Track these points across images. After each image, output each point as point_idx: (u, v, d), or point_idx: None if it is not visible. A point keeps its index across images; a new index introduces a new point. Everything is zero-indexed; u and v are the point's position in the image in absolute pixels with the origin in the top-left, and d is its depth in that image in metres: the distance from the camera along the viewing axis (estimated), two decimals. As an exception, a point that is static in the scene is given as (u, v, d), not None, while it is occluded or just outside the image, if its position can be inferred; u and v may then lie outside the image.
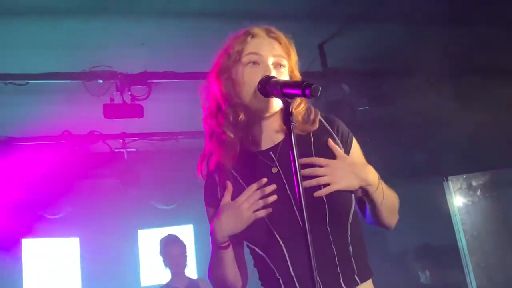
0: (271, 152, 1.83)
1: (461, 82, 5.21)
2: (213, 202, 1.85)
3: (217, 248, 1.78)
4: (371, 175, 1.83)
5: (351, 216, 1.77)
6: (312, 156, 1.79)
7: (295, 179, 1.53)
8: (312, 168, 1.73)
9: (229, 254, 1.79)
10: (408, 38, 4.72)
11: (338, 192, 1.74)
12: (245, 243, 1.84)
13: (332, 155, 1.80)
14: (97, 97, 4.39)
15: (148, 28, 4.07)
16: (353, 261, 1.75)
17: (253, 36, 1.83)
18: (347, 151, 1.86)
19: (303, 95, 1.57)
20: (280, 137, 1.85)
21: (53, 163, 5.51)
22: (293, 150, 1.56)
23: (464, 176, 5.84)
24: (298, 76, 1.88)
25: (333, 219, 1.72)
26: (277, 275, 1.70)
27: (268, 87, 1.69)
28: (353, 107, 4.96)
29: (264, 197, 1.72)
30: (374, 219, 1.90)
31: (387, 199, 1.86)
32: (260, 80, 1.72)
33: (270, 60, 1.79)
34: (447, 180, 5.70)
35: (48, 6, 3.60)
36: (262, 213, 1.70)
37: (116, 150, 5.56)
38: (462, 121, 6.05)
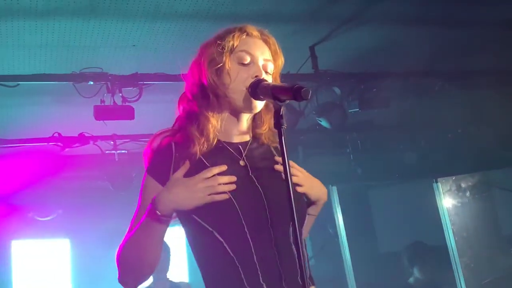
0: (240, 146, 1.84)
1: (452, 83, 5.23)
2: (160, 177, 1.78)
3: (152, 220, 1.69)
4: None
5: (305, 221, 1.84)
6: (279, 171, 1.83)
7: (286, 179, 1.56)
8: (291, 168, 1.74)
9: (163, 230, 1.73)
10: (400, 40, 4.74)
11: (302, 198, 1.84)
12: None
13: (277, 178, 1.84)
14: (87, 99, 4.36)
15: (139, 30, 4.05)
16: (307, 261, 1.80)
17: (247, 34, 1.84)
18: None
19: (294, 98, 1.59)
20: (248, 137, 1.88)
21: (44, 165, 5.48)
22: (283, 150, 1.58)
23: (454, 178, 5.86)
24: (279, 83, 1.89)
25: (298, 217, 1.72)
26: (237, 263, 1.66)
27: (258, 89, 1.70)
28: (344, 109, 4.97)
29: (224, 184, 1.70)
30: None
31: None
32: (251, 84, 1.73)
33: (260, 62, 1.81)
34: (436, 181, 5.72)
35: (39, 7, 3.57)
36: (217, 197, 1.66)
37: (107, 152, 5.53)
38: (451, 122, 6.09)
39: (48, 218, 6.11)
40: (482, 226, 6.21)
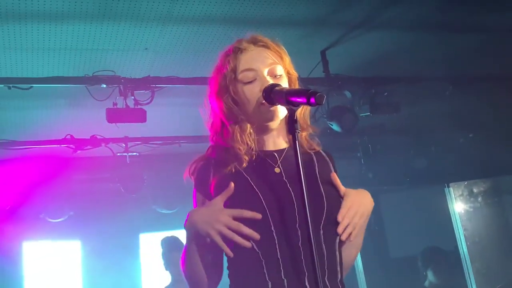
0: (275, 153, 1.86)
1: (462, 88, 5.21)
2: (201, 187, 1.84)
3: (192, 239, 1.76)
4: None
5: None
6: (317, 176, 1.82)
7: (300, 182, 1.59)
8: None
9: (199, 249, 1.77)
10: (410, 45, 4.73)
11: (338, 200, 1.80)
12: None
13: (332, 185, 1.84)
14: (100, 102, 4.38)
15: (151, 33, 4.08)
16: (338, 265, 1.79)
17: (242, 51, 1.84)
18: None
19: (308, 103, 1.60)
20: (284, 145, 1.90)
21: (56, 167, 5.51)
22: (297, 154, 1.60)
23: (466, 183, 5.83)
24: (295, 75, 1.92)
25: (329, 222, 1.76)
26: (261, 257, 1.70)
27: (272, 95, 1.71)
28: (355, 113, 4.96)
29: (240, 234, 1.69)
30: None
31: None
32: (264, 89, 1.74)
33: (265, 72, 1.81)
34: (448, 186, 5.69)
35: (52, 10, 3.61)
36: (220, 243, 1.69)
37: (118, 154, 5.56)
38: (463, 128, 6.07)
39: (60, 219, 6.13)
40: (493, 231, 6.18)
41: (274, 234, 1.70)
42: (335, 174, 1.88)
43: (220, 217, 1.68)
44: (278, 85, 1.74)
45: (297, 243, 1.71)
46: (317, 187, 1.78)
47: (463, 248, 5.07)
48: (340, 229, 1.74)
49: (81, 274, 6.56)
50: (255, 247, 1.71)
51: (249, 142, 1.81)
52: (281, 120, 1.85)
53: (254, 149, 1.83)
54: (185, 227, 1.76)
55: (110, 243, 6.35)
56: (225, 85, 1.82)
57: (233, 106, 1.81)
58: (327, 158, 1.97)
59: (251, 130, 1.82)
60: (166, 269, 5.08)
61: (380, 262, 6.44)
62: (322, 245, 1.74)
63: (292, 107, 1.64)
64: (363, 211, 1.82)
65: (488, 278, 5.40)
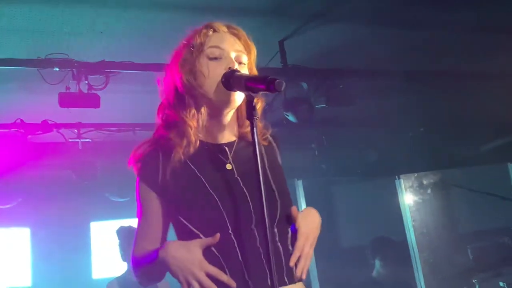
0: (226, 147, 1.84)
1: (415, 83, 5.31)
2: (152, 183, 1.80)
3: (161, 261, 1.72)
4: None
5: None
6: (267, 172, 1.81)
7: (257, 170, 1.59)
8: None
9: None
10: (366, 38, 4.79)
11: (288, 195, 1.83)
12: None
13: (282, 179, 1.86)
14: (52, 86, 4.28)
15: (107, 17, 4.00)
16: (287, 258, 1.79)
17: (214, 30, 1.84)
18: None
19: (267, 89, 1.60)
20: (233, 138, 1.89)
21: (5, 151, 5.37)
22: (255, 141, 1.60)
23: (415, 175, 5.96)
24: (255, 72, 1.90)
25: (282, 220, 1.77)
26: (222, 262, 1.68)
27: (232, 80, 1.70)
28: (311, 104, 5.00)
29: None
30: None
31: None
32: (224, 74, 1.73)
33: (232, 55, 1.81)
34: (398, 178, 5.81)
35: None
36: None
37: (70, 140, 5.45)
38: (415, 121, 6.20)
39: (8, 206, 5.98)
40: (441, 223, 6.35)
41: (233, 236, 1.69)
42: (295, 209, 1.84)
43: (195, 271, 1.63)
44: (238, 71, 1.74)
45: (255, 243, 1.71)
46: (268, 184, 1.78)
47: (411, 238, 5.18)
48: (294, 264, 1.73)
49: (30, 261, 6.42)
50: (215, 251, 1.68)
51: (200, 120, 1.79)
52: (232, 113, 1.84)
53: (203, 128, 1.81)
54: (159, 254, 1.69)
55: (60, 231, 6.24)
56: (190, 58, 1.80)
57: (193, 80, 1.79)
58: (274, 144, 1.97)
59: (204, 110, 1.80)
60: (124, 260, 5.02)
61: (331, 252, 6.54)
62: (278, 243, 1.75)
63: (251, 93, 1.64)
64: (315, 237, 1.83)
65: (434, 268, 5.55)
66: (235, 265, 1.68)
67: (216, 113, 1.82)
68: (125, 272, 5.02)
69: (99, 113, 4.63)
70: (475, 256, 5.21)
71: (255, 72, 1.89)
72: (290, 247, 1.79)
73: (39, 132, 5.22)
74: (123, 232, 5.07)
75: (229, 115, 1.84)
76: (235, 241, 1.69)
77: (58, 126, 5.25)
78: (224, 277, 1.64)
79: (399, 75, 5.20)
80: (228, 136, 1.87)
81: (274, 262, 1.57)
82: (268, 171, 1.82)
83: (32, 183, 5.88)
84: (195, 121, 1.78)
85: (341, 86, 5.01)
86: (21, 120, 5.12)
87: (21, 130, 5.15)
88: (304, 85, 4.93)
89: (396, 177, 5.86)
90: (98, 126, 5.44)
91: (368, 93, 5.59)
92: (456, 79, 5.49)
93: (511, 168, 5.07)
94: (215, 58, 1.79)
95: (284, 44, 4.67)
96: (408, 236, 5.07)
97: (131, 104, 5.24)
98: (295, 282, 1.75)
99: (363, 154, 6.75)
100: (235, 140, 1.87)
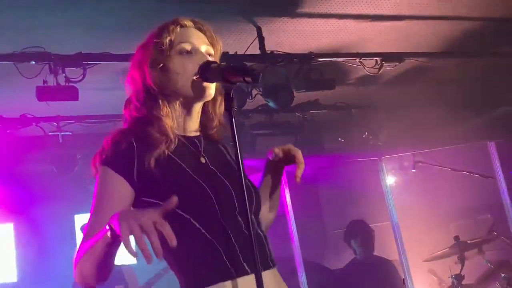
0: (196, 141, 1.85)
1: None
2: (122, 169, 1.70)
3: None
4: None
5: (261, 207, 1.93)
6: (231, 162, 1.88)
7: (238, 163, 1.63)
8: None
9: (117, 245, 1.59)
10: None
11: (255, 187, 1.90)
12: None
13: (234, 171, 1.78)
14: (29, 79, 4.24)
15: (84, 9, 3.97)
16: (266, 245, 1.84)
17: (181, 25, 1.85)
18: None
19: (245, 81, 1.63)
20: (199, 132, 1.90)
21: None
22: (234, 133, 1.62)
23: (397, 156, 6.02)
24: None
25: (257, 210, 1.84)
26: (217, 246, 1.69)
27: (208, 72, 1.72)
28: (290, 90, 5.01)
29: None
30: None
31: None
32: (200, 65, 1.74)
33: (203, 49, 1.83)
34: (380, 160, 5.86)
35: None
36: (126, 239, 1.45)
37: (50, 134, 5.42)
38: (395, 103, 6.25)
39: (-10, 202, 5.94)
40: (423, 202, 6.44)
41: (223, 221, 1.71)
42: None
43: (141, 218, 1.41)
44: (215, 62, 1.75)
45: (242, 229, 1.73)
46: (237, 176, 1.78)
47: (394, 218, 5.23)
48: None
49: (14, 257, 6.39)
50: (208, 236, 1.69)
51: (174, 117, 1.80)
52: (200, 106, 1.86)
53: (177, 126, 1.81)
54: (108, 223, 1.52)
55: (44, 224, 6.21)
56: (160, 56, 1.80)
57: (164, 78, 1.79)
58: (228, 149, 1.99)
59: (177, 106, 1.82)
60: None
61: (315, 235, 6.62)
62: (258, 230, 1.80)
63: (228, 84, 1.65)
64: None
65: (418, 246, 5.63)
66: (230, 249, 1.70)
67: (188, 107, 1.84)
68: None
69: (78, 105, 4.60)
70: (458, 234, 5.29)
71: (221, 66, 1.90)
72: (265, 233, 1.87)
73: (18, 126, 5.19)
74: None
75: (199, 108, 1.87)
76: (225, 225, 1.71)
77: (37, 120, 5.22)
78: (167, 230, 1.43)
79: (377, 56, 5.23)
80: (195, 129, 1.89)
81: (257, 247, 1.61)
82: (233, 165, 1.85)
83: (13, 178, 5.83)
84: (170, 118, 1.78)
85: (321, 71, 5.03)
86: (-1, 115, 5.09)
87: (0, 125, 5.11)
88: (283, 71, 4.93)
89: (379, 159, 5.91)
90: (78, 119, 5.42)
91: (347, 77, 5.64)
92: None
93: (491, 147, 5.14)
94: (186, 53, 1.80)
95: (262, 30, 4.67)
96: (391, 216, 5.13)
97: (111, 95, 5.19)
98: (275, 266, 1.82)
99: (346, 137, 6.80)
100: (199, 135, 1.88)
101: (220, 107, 1.90)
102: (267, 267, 1.75)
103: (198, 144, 1.85)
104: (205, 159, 1.82)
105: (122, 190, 1.71)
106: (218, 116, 1.91)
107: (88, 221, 1.72)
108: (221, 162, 1.85)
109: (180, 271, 1.74)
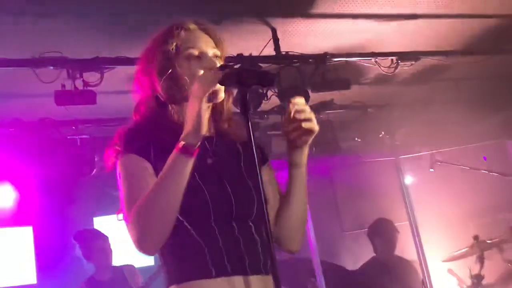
0: (205, 142, 1.84)
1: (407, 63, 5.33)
2: (147, 156, 1.74)
3: (185, 153, 1.63)
4: None
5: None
6: (242, 168, 1.84)
7: (254, 165, 1.60)
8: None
9: (190, 166, 1.65)
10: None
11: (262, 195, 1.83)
12: None
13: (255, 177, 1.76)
14: (48, 84, 4.29)
15: (100, 14, 4.02)
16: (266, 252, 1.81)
17: (185, 29, 1.85)
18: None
19: (260, 83, 1.65)
20: (212, 130, 1.89)
21: (3, 151, 5.39)
22: (250, 135, 1.61)
23: (415, 156, 5.99)
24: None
25: (257, 215, 1.79)
26: (203, 245, 1.72)
27: (223, 76, 1.68)
28: (306, 91, 5.01)
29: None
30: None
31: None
32: (219, 67, 1.72)
33: (210, 52, 1.83)
34: (398, 160, 5.84)
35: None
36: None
37: (69, 137, 5.47)
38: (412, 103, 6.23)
39: (10, 206, 6.00)
40: (442, 201, 6.40)
41: (214, 224, 1.73)
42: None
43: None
44: (228, 66, 1.74)
45: (234, 233, 1.75)
46: (244, 181, 1.80)
47: (413, 217, 5.21)
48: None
49: (33, 259, 6.46)
50: (196, 237, 1.73)
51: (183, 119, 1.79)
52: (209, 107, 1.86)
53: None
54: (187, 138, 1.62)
55: (63, 227, 6.26)
56: (168, 63, 1.81)
57: (174, 85, 1.80)
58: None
59: (187, 110, 1.80)
60: (89, 260, 5.14)
61: (333, 234, 6.62)
62: (254, 235, 1.78)
63: (244, 88, 1.64)
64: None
65: (437, 246, 5.61)
66: (215, 250, 1.72)
67: (198, 109, 1.81)
68: (95, 272, 5.10)
69: (96, 109, 4.64)
70: (477, 233, 5.26)
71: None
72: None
73: (37, 130, 5.24)
74: (83, 235, 5.20)
75: (207, 112, 1.83)
76: (216, 229, 1.73)
77: (56, 123, 5.27)
78: None
79: (392, 55, 5.21)
80: (206, 129, 1.86)
81: (251, 251, 1.70)
82: (243, 168, 1.85)
83: (32, 181, 5.90)
84: (182, 121, 1.77)
85: (336, 71, 5.03)
86: (19, 119, 5.14)
87: (19, 129, 5.16)
88: (298, 72, 4.93)
89: (395, 158, 5.89)
90: (96, 122, 5.46)
91: (363, 77, 5.63)
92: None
93: (509, 146, 5.10)
94: (194, 58, 1.80)
95: (277, 31, 4.68)
96: (409, 216, 5.11)
97: (128, 98, 5.23)
98: (268, 274, 1.74)
99: (362, 136, 6.78)
100: (211, 135, 1.87)
101: (228, 104, 1.90)
102: (257, 272, 1.75)
103: (207, 145, 1.84)
104: (212, 159, 1.82)
105: (150, 171, 1.74)
106: (226, 112, 1.91)
107: (127, 200, 1.72)
108: (229, 163, 1.84)
109: (164, 264, 1.79)
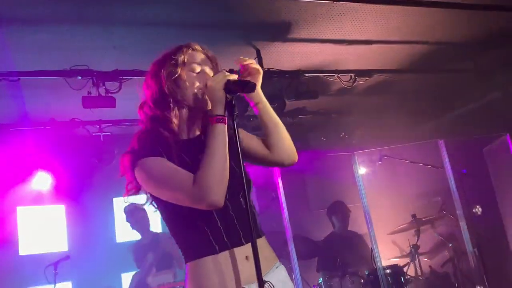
0: (196, 141, 1.85)
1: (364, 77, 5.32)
2: (156, 153, 1.72)
3: (219, 122, 1.67)
4: None
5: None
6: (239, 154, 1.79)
7: (238, 160, 1.65)
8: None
9: (226, 132, 1.70)
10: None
11: (248, 174, 1.86)
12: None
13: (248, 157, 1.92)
14: (76, 91, 4.25)
15: (118, 33, 3.97)
16: (257, 220, 1.85)
17: (192, 49, 1.86)
18: None
19: (242, 91, 1.67)
20: (198, 131, 1.88)
21: (42, 145, 5.32)
22: (237, 136, 1.64)
23: (368, 151, 5.98)
24: None
25: (249, 195, 1.78)
26: (205, 228, 1.72)
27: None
28: (283, 99, 5.01)
29: None
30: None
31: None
32: (225, 82, 1.72)
33: (207, 69, 1.85)
34: (354, 154, 5.83)
35: (38, 14, 3.48)
36: None
37: (93, 134, 5.43)
38: (367, 109, 6.24)
39: (46, 187, 5.92)
40: (388, 188, 6.42)
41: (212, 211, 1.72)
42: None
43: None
44: (232, 70, 1.79)
45: (229, 212, 1.75)
46: (239, 168, 1.76)
47: (365, 202, 5.19)
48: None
49: (65, 231, 6.39)
50: (199, 222, 1.72)
51: (181, 118, 1.81)
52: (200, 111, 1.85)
53: (184, 127, 1.82)
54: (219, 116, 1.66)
55: (89, 206, 6.20)
56: (174, 70, 1.81)
57: (176, 88, 1.80)
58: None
59: (184, 111, 1.82)
60: (134, 228, 5.23)
61: (304, 214, 6.61)
62: (244, 210, 1.73)
63: (231, 94, 1.68)
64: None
65: (384, 224, 5.62)
66: (215, 230, 1.73)
67: (192, 113, 1.85)
68: (140, 238, 5.07)
69: (116, 111, 4.59)
70: (415, 213, 5.29)
71: None
72: (255, 211, 1.85)
73: (68, 128, 5.19)
74: (125, 210, 5.20)
75: (201, 114, 1.86)
76: (213, 212, 1.72)
77: (83, 123, 5.23)
78: None
79: (350, 72, 5.21)
80: (198, 131, 1.88)
81: (244, 225, 1.69)
82: (240, 153, 1.81)
83: (64, 169, 5.83)
84: (177, 119, 1.80)
85: (307, 84, 5.01)
86: (54, 119, 5.08)
87: (54, 127, 5.12)
88: (277, 84, 4.92)
89: (353, 153, 5.88)
90: (115, 122, 5.42)
91: (328, 89, 5.61)
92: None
93: (441, 144, 5.12)
94: (196, 72, 1.82)
95: (261, 52, 4.66)
96: (361, 199, 5.11)
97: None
98: (258, 238, 1.78)
99: (327, 137, 6.79)
100: (200, 134, 1.87)
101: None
102: (249, 240, 1.71)
103: (198, 143, 1.82)
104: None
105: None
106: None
107: (178, 182, 1.67)
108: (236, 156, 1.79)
109: (179, 246, 1.81)
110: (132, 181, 1.77)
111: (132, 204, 5.11)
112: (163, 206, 1.77)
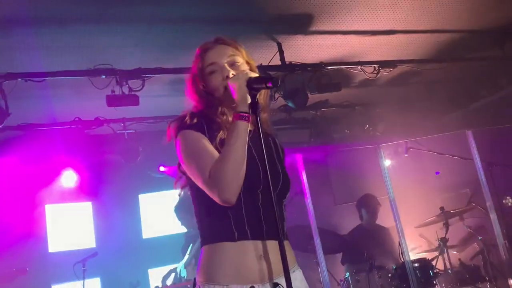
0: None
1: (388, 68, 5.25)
2: (204, 133, 1.75)
3: (242, 119, 1.66)
4: None
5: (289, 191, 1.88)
6: (274, 156, 1.87)
7: (263, 157, 1.63)
8: None
9: (248, 129, 1.69)
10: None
11: (289, 179, 1.87)
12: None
13: (281, 156, 1.92)
14: (101, 90, 4.31)
15: (141, 33, 4.01)
16: (285, 221, 1.84)
17: (206, 50, 1.87)
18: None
19: (266, 86, 1.65)
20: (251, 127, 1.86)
21: (68, 143, 5.42)
22: (260, 131, 1.63)
23: (393, 144, 5.92)
24: (253, 62, 1.92)
25: (281, 193, 1.80)
26: (229, 213, 1.71)
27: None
28: (305, 92, 4.98)
29: None
30: None
31: None
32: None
33: (225, 60, 1.83)
34: (379, 147, 5.78)
35: (62, 15, 3.55)
36: None
37: (118, 132, 5.50)
38: (390, 100, 6.17)
39: (74, 185, 6.04)
40: (415, 180, 6.34)
41: (241, 195, 1.70)
42: None
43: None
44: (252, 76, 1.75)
45: (257, 202, 1.73)
46: (275, 164, 1.83)
47: (391, 194, 5.14)
48: None
49: (92, 228, 6.51)
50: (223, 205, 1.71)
51: (225, 116, 1.82)
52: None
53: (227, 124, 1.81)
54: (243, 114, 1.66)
55: (115, 202, 6.30)
56: (196, 80, 1.85)
57: (206, 95, 1.84)
58: (280, 147, 1.98)
59: (224, 110, 1.82)
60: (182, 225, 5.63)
61: (327, 206, 6.60)
62: (275, 206, 1.71)
63: (253, 92, 1.66)
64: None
65: (411, 216, 5.56)
66: (238, 215, 1.72)
67: (233, 108, 1.83)
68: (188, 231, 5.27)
69: (139, 109, 4.65)
70: (443, 205, 5.21)
71: (252, 62, 1.91)
72: (284, 213, 1.84)
73: (93, 127, 5.27)
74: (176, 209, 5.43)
75: None
76: (242, 198, 1.71)
77: (108, 121, 5.30)
78: None
79: (374, 63, 5.15)
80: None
81: (270, 220, 1.68)
82: (275, 156, 1.88)
83: (90, 167, 5.93)
84: (225, 117, 1.82)
85: (330, 76, 4.97)
86: (79, 118, 5.17)
87: (79, 126, 5.20)
88: (299, 77, 4.90)
89: (377, 146, 5.82)
90: (139, 120, 5.48)
91: (351, 81, 5.57)
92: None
93: (468, 135, 5.02)
94: (213, 72, 1.82)
95: (282, 45, 4.64)
96: (388, 191, 5.05)
97: (164, 101, 5.25)
98: (283, 240, 1.70)
99: (350, 129, 6.74)
100: (251, 130, 1.84)
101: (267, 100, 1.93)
102: (272, 238, 1.72)
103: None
104: (249, 144, 1.74)
105: (208, 142, 1.75)
106: (265, 109, 1.91)
107: (198, 167, 1.69)
108: (260, 150, 1.74)
109: (200, 228, 1.82)
110: (180, 177, 1.86)
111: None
112: (194, 183, 1.77)
